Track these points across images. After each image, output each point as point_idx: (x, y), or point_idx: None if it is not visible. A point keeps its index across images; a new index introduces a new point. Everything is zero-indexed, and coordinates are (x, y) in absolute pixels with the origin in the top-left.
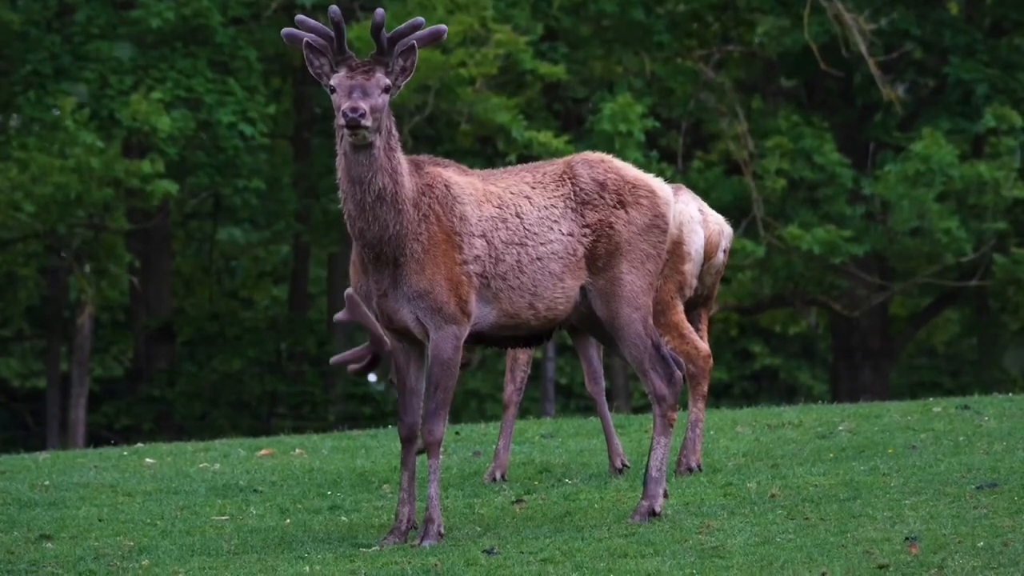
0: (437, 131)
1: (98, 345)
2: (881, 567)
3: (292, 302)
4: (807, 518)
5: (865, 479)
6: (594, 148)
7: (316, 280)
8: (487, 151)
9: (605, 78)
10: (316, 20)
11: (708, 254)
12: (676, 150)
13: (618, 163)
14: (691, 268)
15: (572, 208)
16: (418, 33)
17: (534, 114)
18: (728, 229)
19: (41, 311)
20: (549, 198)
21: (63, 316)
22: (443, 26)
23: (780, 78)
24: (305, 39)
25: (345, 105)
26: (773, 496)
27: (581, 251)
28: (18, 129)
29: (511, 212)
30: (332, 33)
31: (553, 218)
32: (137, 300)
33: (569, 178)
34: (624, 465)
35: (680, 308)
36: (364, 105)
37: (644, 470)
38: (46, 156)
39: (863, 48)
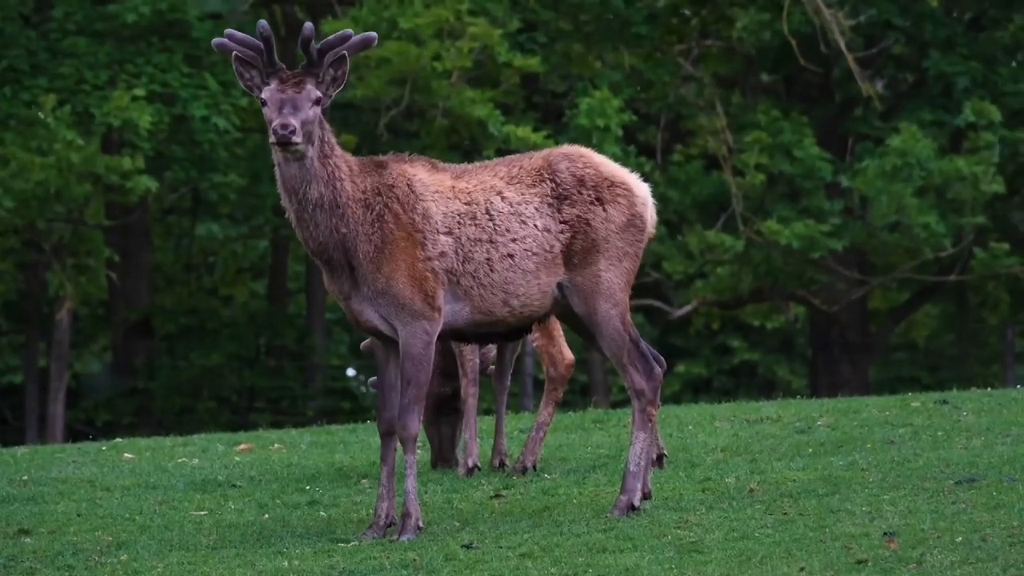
0: (415, 125)
1: (76, 340)
2: (860, 562)
3: (271, 297)
4: (785, 513)
5: (844, 474)
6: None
7: (295, 275)
8: (464, 145)
9: (584, 73)
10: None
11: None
12: (655, 144)
13: (597, 158)
14: None
15: (549, 203)
16: (349, 42)
17: (512, 108)
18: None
19: (19, 306)
20: (523, 194)
21: (41, 311)
22: (373, 34)
23: (760, 73)
24: (234, 52)
25: (276, 122)
26: (751, 491)
27: (558, 247)
28: None
29: (480, 209)
30: (261, 45)
31: (527, 214)
32: (116, 295)
33: (548, 173)
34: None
35: None
36: (294, 121)
37: (623, 465)
38: (25, 152)
39: (842, 43)
